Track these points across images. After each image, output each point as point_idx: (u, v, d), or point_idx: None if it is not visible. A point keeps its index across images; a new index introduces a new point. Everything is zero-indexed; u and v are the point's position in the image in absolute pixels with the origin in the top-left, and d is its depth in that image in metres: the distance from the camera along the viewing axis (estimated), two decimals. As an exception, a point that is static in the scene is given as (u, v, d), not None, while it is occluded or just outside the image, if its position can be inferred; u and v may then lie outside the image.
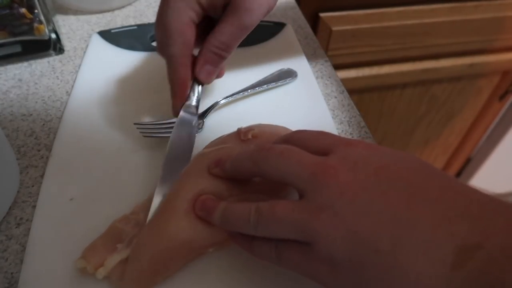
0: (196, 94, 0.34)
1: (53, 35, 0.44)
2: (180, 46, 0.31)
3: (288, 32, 0.49)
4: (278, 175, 0.23)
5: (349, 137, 0.38)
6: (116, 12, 0.52)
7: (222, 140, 0.31)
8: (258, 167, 0.24)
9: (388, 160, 0.22)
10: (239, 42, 0.32)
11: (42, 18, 0.42)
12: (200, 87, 0.34)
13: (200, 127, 0.36)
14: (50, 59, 0.45)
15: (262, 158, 0.24)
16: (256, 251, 0.24)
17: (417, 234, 0.18)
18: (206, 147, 0.31)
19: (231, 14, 0.30)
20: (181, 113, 0.33)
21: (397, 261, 0.18)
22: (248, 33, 0.32)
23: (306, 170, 0.22)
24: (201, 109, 0.37)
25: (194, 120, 0.33)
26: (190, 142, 0.32)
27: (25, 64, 0.44)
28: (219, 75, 0.36)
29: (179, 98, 0.33)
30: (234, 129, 0.37)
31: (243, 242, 0.25)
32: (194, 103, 0.34)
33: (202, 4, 0.31)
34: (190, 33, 0.31)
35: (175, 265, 0.26)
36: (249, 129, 0.30)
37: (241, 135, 0.30)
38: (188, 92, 0.33)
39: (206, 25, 0.33)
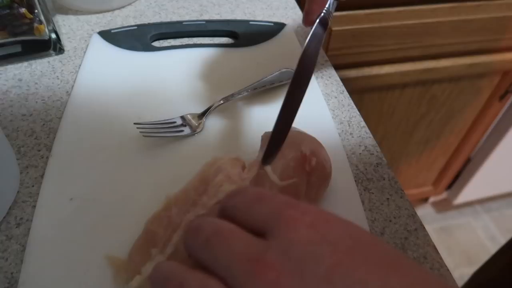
0: (331, 8, 0.35)
1: (53, 35, 0.44)
2: None
3: (288, 32, 0.49)
4: (211, 265, 0.18)
5: (349, 137, 0.38)
6: (116, 12, 0.52)
7: (288, 166, 0.28)
8: (191, 253, 0.20)
9: (342, 251, 0.18)
10: None
11: (42, 18, 0.42)
12: (335, 3, 0.35)
13: (200, 127, 0.36)
14: (50, 59, 0.45)
15: (190, 243, 0.20)
16: None
17: None
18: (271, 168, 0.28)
19: None
20: (317, 25, 0.33)
21: None
22: None
23: (239, 266, 0.17)
24: (200, 109, 0.37)
25: (323, 35, 0.34)
26: (316, 57, 0.33)
27: (25, 64, 0.44)
28: None
29: (319, 4, 0.34)
30: (234, 129, 0.37)
31: None
32: (330, 16, 0.34)
33: None
34: None
35: None
36: (311, 156, 0.28)
37: (306, 165, 0.28)
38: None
39: None
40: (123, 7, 0.53)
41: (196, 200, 0.26)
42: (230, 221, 0.20)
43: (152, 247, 0.25)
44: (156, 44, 0.48)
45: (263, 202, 0.20)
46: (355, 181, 0.34)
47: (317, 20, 0.33)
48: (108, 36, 0.47)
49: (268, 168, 0.28)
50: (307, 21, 0.34)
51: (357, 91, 0.77)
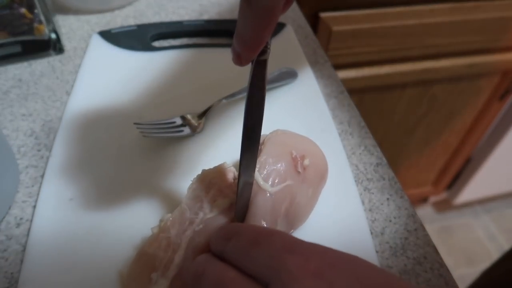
0: (269, 46, 0.28)
1: (53, 35, 0.44)
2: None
3: (288, 32, 0.49)
4: None
5: (349, 137, 0.38)
6: (116, 12, 0.52)
7: (279, 171, 0.28)
8: None
9: None
10: None
11: (42, 18, 0.42)
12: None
13: (200, 127, 0.36)
14: (50, 59, 0.45)
15: None
16: None
17: None
18: (260, 169, 0.27)
19: None
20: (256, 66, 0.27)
21: None
22: None
23: None
24: (200, 109, 0.37)
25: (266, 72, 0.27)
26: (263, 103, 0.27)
27: (25, 64, 0.44)
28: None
29: (257, 49, 0.26)
30: (234, 129, 0.37)
31: None
32: (268, 56, 0.28)
33: None
34: None
35: None
36: (303, 157, 0.28)
37: (298, 166, 0.28)
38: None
39: None
40: (123, 7, 0.53)
41: (193, 219, 0.26)
42: (228, 263, 0.20)
43: (151, 271, 0.24)
44: (156, 44, 0.48)
45: (261, 246, 0.19)
46: (355, 181, 0.34)
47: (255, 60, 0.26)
48: (108, 36, 0.47)
49: (258, 176, 0.27)
50: (241, 62, 0.26)
51: (357, 91, 0.77)
